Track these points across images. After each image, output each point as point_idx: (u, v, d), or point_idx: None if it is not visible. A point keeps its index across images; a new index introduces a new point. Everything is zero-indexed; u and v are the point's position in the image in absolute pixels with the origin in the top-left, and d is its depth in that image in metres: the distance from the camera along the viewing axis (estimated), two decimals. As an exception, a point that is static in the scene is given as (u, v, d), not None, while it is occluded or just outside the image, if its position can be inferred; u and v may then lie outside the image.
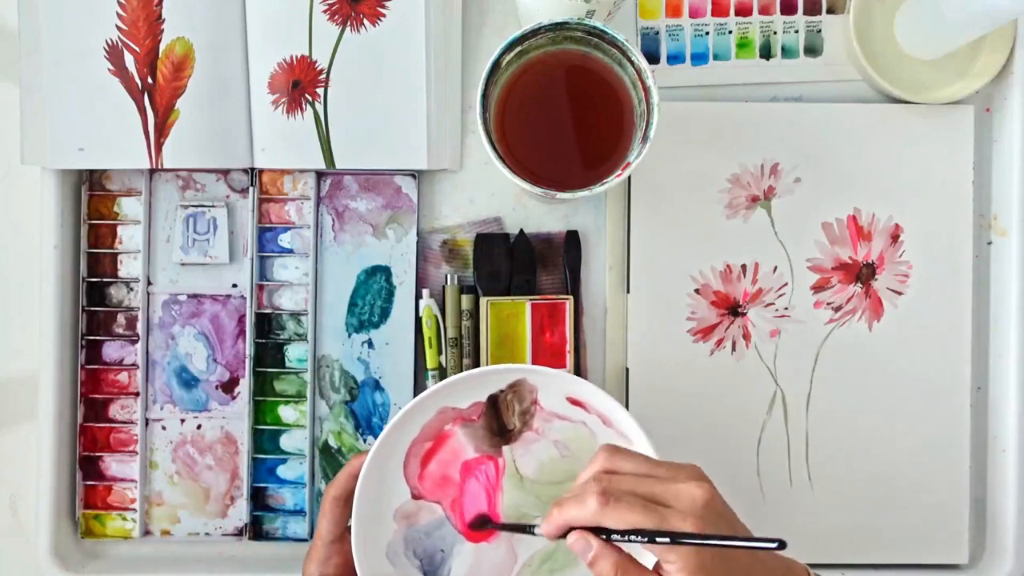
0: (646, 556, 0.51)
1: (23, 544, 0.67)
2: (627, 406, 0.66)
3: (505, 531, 0.58)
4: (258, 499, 0.67)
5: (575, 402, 0.58)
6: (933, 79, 0.67)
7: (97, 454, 0.66)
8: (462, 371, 0.65)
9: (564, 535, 0.50)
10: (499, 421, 0.59)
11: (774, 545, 0.44)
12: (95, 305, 0.67)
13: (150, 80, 0.64)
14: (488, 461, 0.59)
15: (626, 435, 0.57)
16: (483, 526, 0.58)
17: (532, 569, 0.58)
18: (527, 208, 0.67)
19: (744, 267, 0.67)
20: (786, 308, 0.67)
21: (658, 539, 0.46)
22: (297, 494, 0.67)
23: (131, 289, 0.67)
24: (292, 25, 0.64)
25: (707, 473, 0.50)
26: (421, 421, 0.58)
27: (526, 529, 0.55)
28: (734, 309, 0.67)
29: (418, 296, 0.66)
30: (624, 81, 0.57)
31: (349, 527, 0.56)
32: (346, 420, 0.67)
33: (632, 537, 0.47)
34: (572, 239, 0.67)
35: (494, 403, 0.58)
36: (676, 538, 0.46)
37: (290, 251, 0.67)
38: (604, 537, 0.48)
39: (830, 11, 0.68)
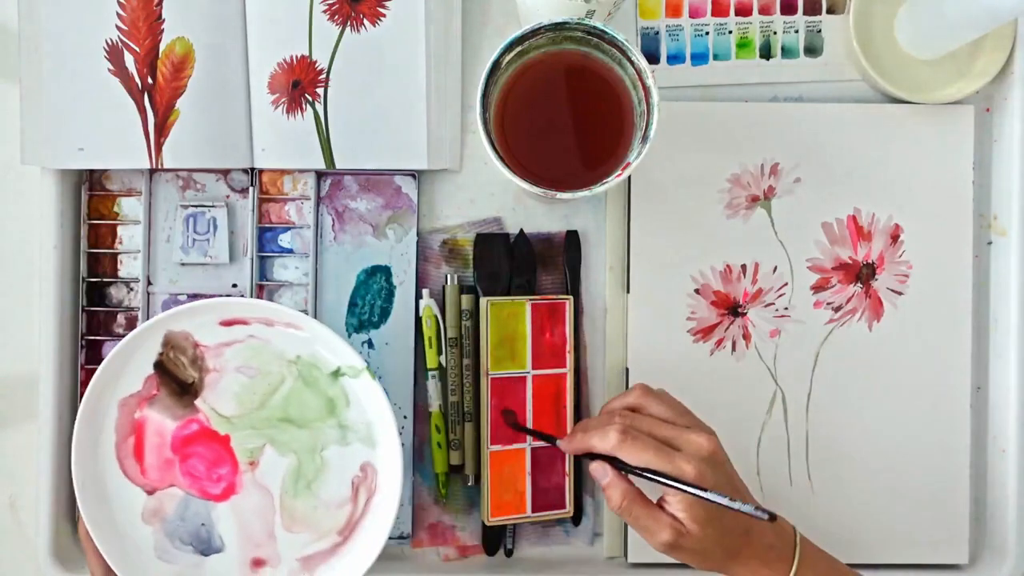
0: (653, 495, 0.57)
1: (23, 544, 0.67)
2: (627, 406, 0.66)
3: (532, 435, 0.63)
4: (258, 499, 0.67)
5: (231, 323, 0.59)
6: (933, 79, 0.67)
7: (97, 454, 0.66)
8: (462, 372, 0.65)
9: (583, 455, 0.58)
10: (178, 381, 0.59)
11: (764, 517, 0.50)
12: (95, 305, 0.67)
13: (150, 80, 0.64)
14: (191, 423, 0.59)
15: (293, 324, 0.59)
16: (513, 425, 0.63)
17: (291, 494, 0.59)
18: (527, 208, 0.67)
19: (744, 267, 0.67)
20: (786, 308, 0.67)
21: (664, 482, 0.53)
22: (297, 494, 0.67)
23: (131, 289, 0.67)
24: (292, 25, 0.64)
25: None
26: (110, 424, 0.58)
27: (550, 439, 0.62)
28: (734, 309, 0.67)
29: (418, 296, 0.66)
30: (624, 81, 0.57)
31: None
32: (346, 420, 0.67)
33: (644, 474, 0.54)
34: (572, 239, 0.67)
35: (163, 368, 0.59)
36: (680, 487, 0.53)
37: (290, 251, 0.67)
38: (620, 470, 0.56)
39: (830, 11, 0.68)
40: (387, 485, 0.59)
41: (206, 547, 0.59)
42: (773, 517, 0.50)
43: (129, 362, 0.58)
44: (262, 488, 0.59)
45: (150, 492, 0.59)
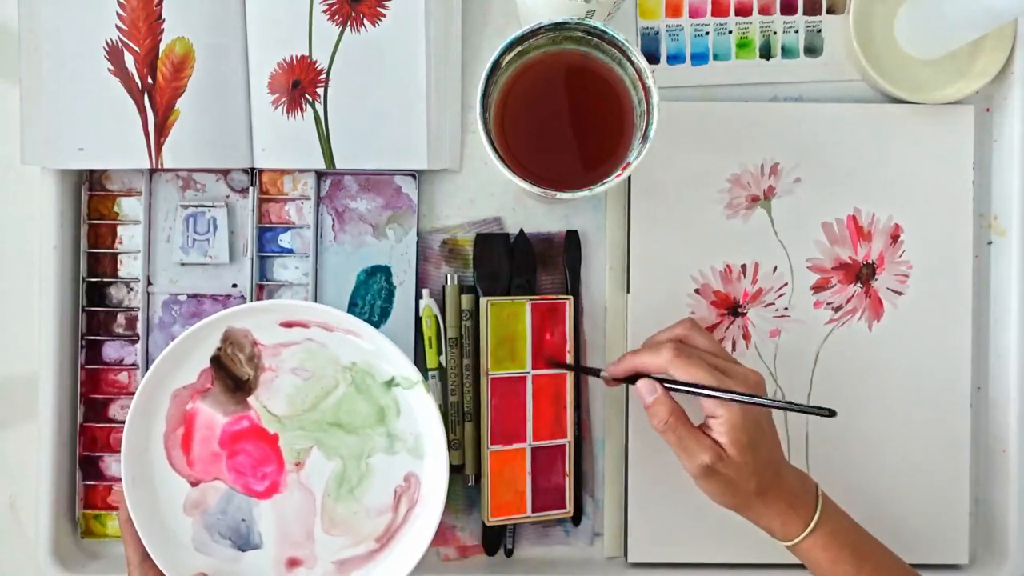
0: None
1: (23, 544, 0.67)
2: (627, 407, 0.66)
3: (574, 371, 0.63)
4: (258, 499, 0.67)
5: (291, 324, 0.59)
6: (933, 79, 0.67)
7: (97, 454, 0.66)
8: (462, 371, 0.65)
9: (624, 381, 0.59)
10: (233, 377, 0.59)
11: (826, 412, 0.51)
12: (95, 305, 0.67)
13: (150, 80, 0.64)
14: (242, 419, 0.59)
15: (352, 330, 0.59)
16: (556, 366, 0.63)
17: (333, 497, 0.60)
18: (527, 208, 0.67)
19: (744, 267, 0.67)
20: (786, 308, 0.67)
21: (720, 395, 0.54)
22: (297, 494, 0.67)
23: (131, 289, 0.67)
24: (292, 25, 0.64)
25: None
26: (161, 414, 0.59)
27: (593, 371, 0.62)
28: (734, 309, 0.67)
29: (418, 296, 0.66)
30: (624, 81, 0.57)
31: None
32: (346, 420, 0.67)
33: (693, 390, 0.55)
34: (572, 239, 0.67)
35: (219, 363, 0.59)
36: (734, 398, 0.54)
37: (290, 251, 0.67)
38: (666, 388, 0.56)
39: (830, 11, 0.68)
40: (429, 497, 0.60)
41: (244, 543, 0.60)
42: (833, 412, 0.51)
43: (188, 354, 0.58)
44: (305, 489, 0.60)
45: (194, 484, 0.59)
